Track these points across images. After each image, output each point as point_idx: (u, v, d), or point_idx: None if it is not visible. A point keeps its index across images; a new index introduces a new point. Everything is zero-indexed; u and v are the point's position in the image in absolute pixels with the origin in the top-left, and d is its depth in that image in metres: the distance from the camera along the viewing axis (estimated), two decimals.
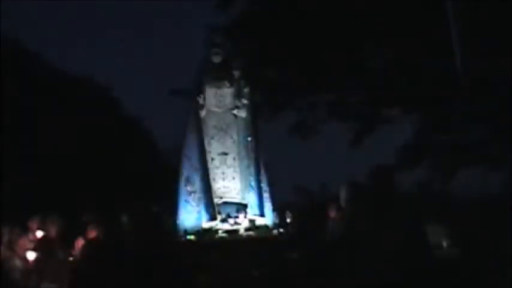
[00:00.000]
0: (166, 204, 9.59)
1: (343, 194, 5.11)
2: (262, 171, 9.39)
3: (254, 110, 9.84)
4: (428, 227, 4.71)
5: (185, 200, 9.13)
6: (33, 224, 7.24)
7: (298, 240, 7.96)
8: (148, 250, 6.32)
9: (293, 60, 13.04)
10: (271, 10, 12.94)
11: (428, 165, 13.69)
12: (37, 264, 6.67)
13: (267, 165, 9.61)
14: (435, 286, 4.05)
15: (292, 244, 7.99)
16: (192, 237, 8.77)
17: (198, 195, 9.11)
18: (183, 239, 8.72)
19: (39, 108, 16.92)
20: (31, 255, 6.71)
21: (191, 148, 9.37)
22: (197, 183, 9.18)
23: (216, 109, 9.58)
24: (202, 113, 9.48)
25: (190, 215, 9.03)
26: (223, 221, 9.05)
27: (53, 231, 6.92)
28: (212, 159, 9.41)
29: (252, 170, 9.31)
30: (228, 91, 9.60)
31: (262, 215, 9.15)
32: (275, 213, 9.32)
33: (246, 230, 8.95)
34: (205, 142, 9.41)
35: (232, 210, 9.17)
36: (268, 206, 9.27)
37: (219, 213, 9.12)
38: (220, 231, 8.90)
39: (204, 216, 9.00)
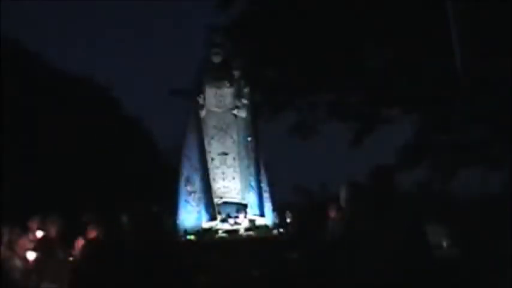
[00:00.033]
0: (166, 204, 9.59)
1: (343, 194, 5.11)
2: (262, 171, 9.39)
3: (254, 110, 9.84)
4: (428, 227, 4.71)
5: (185, 200, 9.13)
6: (33, 224, 7.24)
7: (298, 240, 7.96)
8: (148, 250, 6.32)
9: (293, 60, 13.04)
10: (271, 10, 12.94)
11: (428, 165, 13.69)
12: (37, 264, 6.67)
13: (267, 165, 9.62)
14: (435, 286, 4.05)
15: (292, 244, 7.99)
16: (192, 237, 8.77)
17: (198, 195, 9.12)
18: (183, 239, 8.72)
19: (39, 108, 16.92)
20: (31, 255, 6.71)
21: (191, 148, 9.37)
22: (197, 183, 9.18)
23: (216, 109, 9.58)
24: (202, 113, 9.48)
25: (190, 215, 9.03)
26: (223, 221, 9.05)
27: (53, 231, 6.92)
28: (212, 159, 9.41)
29: (252, 170, 9.31)
30: (228, 91, 9.60)
31: (262, 215, 9.15)
32: (275, 213, 9.32)
33: (246, 230, 8.95)
34: (205, 142, 9.41)
35: (232, 210, 9.17)
36: (268, 206, 9.27)
37: (219, 213, 9.12)
38: (220, 231, 8.90)
39: (204, 216, 9.00)
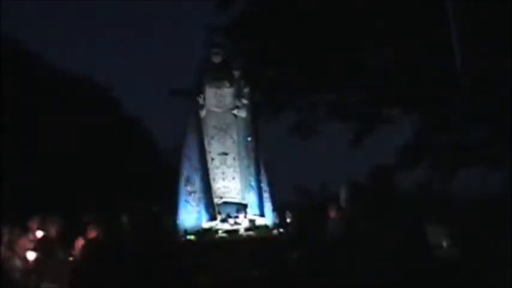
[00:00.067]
0: (166, 204, 9.59)
1: (343, 194, 5.11)
2: (262, 171, 9.39)
3: (254, 110, 9.84)
4: (428, 227, 4.71)
5: (185, 200, 9.13)
6: (33, 224, 7.24)
7: (298, 240, 7.96)
8: (148, 250, 6.32)
9: (293, 60, 13.04)
10: (271, 10, 12.94)
11: (428, 165, 13.69)
12: (37, 264, 6.67)
13: (267, 165, 9.61)
14: (435, 286, 4.05)
15: (292, 244, 7.98)
16: (192, 237, 8.77)
17: (198, 195, 9.11)
18: (183, 239, 8.72)
19: (39, 108, 16.92)
20: (31, 255, 6.71)
21: (191, 148, 9.37)
22: (197, 183, 9.17)
23: (216, 109, 9.58)
24: (202, 113, 9.48)
25: (190, 215, 9.03)
26: (223, 221, 9.04)
27: (53, 231, 6.92)
28: (212, 159, 9.41)
29: (252, 170, 9.31)
30: (228, 91, 9.60)
31: (262, 215, 9.15)
32: (275, 213, 9.32)
33: (246, 230, 8.95)
34: (205, 142, 9.40)
35: (232, 210, 9.17)
36: (268, 206, 9.27)
37: (219, 213, 9.12)
38: (220, 231, 8.90)
39: (204, 216, 9.00)
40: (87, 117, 18.07)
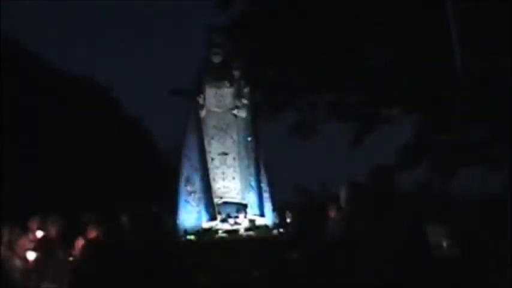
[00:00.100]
0: (166, 204, 9.58)
1: (343, 194, 5.12)
2: (262, 171, 9.39)
3: (254, 110, 9.83)
4: (428, 227, 4.71)
5: (185, 200, 9.13)
6: (33, 224, 7.24)
7: (298, 240, 7.95)
8: (148, 250, 6.32)
9: (293, 60, 13.04)
10: (271, 10, 12.94)
11: (428, 165, 13.70)
12: (37, 264, 6.67)
13: (267, 165, 9.61)
14: (435, 286, 4.05)
15: (292, 244, 7.98)
16: (192, 237, 8.76)
17: (198, 195, 9.11)
18: (183, 239, 8.72)
19: (39, 108, 16.92)
20: (31, 255, 6.71)
21: (191, 148, 9.36)
22: (197, 183, 9.17)
23: (216, 109, 9.57)
24: (202, 113, 9.48)
25: (190, 215, 9.03)
26: (223, 221, 9.04)
27: (53, 231, 6.92)
28: (212, 159, 9.41)
29: (252, 170, 9.31)
30: (228, 91, 9.60)
31: (262, 215, 9.15)
32: (275, 213, 9.31)
33: (246, 230, 8.95)
34: (205, 142, 9.40)
35: (232, 210, 9.17)
36: (268, 206, 9.26)
37: (219, 213, 9.11)
38: (220, 231, 8.90)
39: (204, 216, 8.99)
40: (87, 117, 18.07)
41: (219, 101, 9.57)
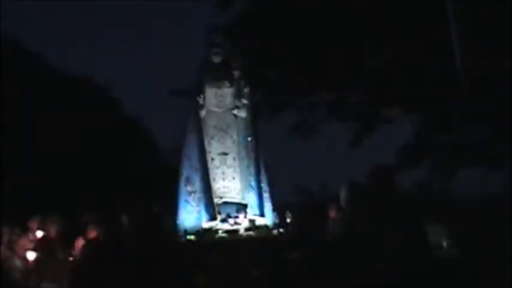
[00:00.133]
0: (166, 204, 9.58)
1: (343, 194, 5.12)
2: (262, 171, 9.38)
3: (254, 110, 9.83)
4: (428, 227, 4.71)
5: (185, 200, 9.12)
6: (33, 224, 7.23)
7: (298, 240, 7.95)
8: (148, 250, 6.32)
9: (293, 60, 13.05)
10: (271, 10, 12.95)
11: (428, 165, 13.72)
12: (37, 264, 6.67)
13: (267, 165, 9.61)
14: (435, 286, 4.05)
15: (292, 244, 7.98)
16: (192, 237, 8.76)
17: (198, 195, 9.11)
18: (183, 239, 8.71)
19: (39, 108, 16.92)
20: (31, 255, 6.71)
21: (191, 148, 9.36)
22: (197, 183, 9.17)
23: (216, 109, 9.57)
24: (202, 113, 9.47)
25: (190, 215, 9.02)
26: (223, 221, 9.04)
27: (53, 231, 6.91)
28: (212, 159, 9.40)
29: (252, 170, 9.30)
30: (228, 91, 9.59)
31: (262, 215, 9.14)
32: (275, 213, 9.31)
33: (246, 230, 8.94)
34: (205, 142, 9.39)
35: (232, 210, 9.16)
36: (268, 206, 9.26)
37: (219, 213, 9.11)
38: (220, 231, 8.89)
39: (204, 216, 8.99)
40: (87, 117, 18.07)
41: (219, 101, 9.57)
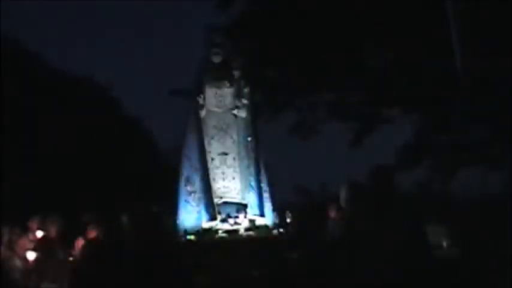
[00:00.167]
0: (166, 204, 9.58)
1: (343, 194, 5.12)
2: (262, 171, 9.38)
3: (254, 110, 9.83)
4: (428, 227, 4.71)
5: (185, 200, 9.12)
6: (33, 224, 7.23)
7: (298, 240, 7.95)
8: (148, 250, 6.32)
9: (293, 60, 13.05)
10: (271, 10, 12.96)
11: (428, 165, 13.72)
12: (37, 264, 6.67)
13: (267, 165, 9.61)
14: (435, 286, 4.05)
15: (292, 244, 7.98)
16: (192, 237, 8.76)
17: (198, 195, 9.11)
18: (183, 239, 8.71)
19: (39, 108, 16.92)
20: (31, 255, 6.71)
21: (191, 148, 9.36)
22: (197, 183, 9.17)
23: (216, 109, 9.57)
24: (202, 113, 9.47)
25: (190, 215, 9.02)
26: (223, 221, 9.04)
27: (53, 231, 6.91)
28: (212, 159, 9.40)
29: (252, 170, 9.30)
30: (228, 91, 9.59)
31: (262, 215, 9.14)
32: (275, 213, 9.31)
33: (246, 230, 8.94)
34: (205, 142, 9.39)
35: (232, 210, 9.16)
36: (268, 206, 9.26)
37: (219, 213, 9.11)
38: (220, 231, 8.89)
39: (204, 216, 8.99)
40: (87, 117, 18.07)
41: (219, 101, 9.57)
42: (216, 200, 9.19)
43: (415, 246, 4.11)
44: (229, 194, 9.35)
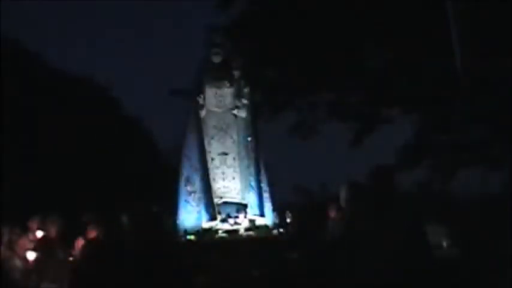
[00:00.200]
0: (166, 204, 9.58)
1: (343, 194, 5.12)
2: (262, 171, 9.38)
3: (254, 110, 9.83)
4: (428, 227, 4.71)
5: (185, 200, 9.12)
6: (33, 224, 7.23)
7: (298, 240, 7.95)
8: (148, 250, 6.32)
9: (293, 60, 13.06)
10: (271, 10, 12.96)
11: (428, 165, 13.72)
12: (37, 264, 6.67)
13: (267, 165, 9.61)
14: (435, 286, 4.05)
15: (292, 244, 7.98)
16: (192, 237, 8.76)
17: (198, 195, 9.11)
18: (183, 239, 8.72)
19: (39, 108, 16.92)
20: (31, 255, 6.71)
21: (191, 148, 9.36)
22: (197, 183, 9.17)
23: (216, 109, 9.57)
24: (202, 113, 9.47)
25: (190, 215, 9.02)
26: (223, 221, 9.04)
27: (53, 231, 6.91)
28: (212, 159, 9.40)
29: (252, 170, 9.30)
30: (228, 91, 9.59)
31: (262, 215, 9.14)
32: (275, 213, 9.31)
33: (246, 230, 8.94)
34: (205, 142, 9.40)
35: (232, 210, 9.16)
36: (268, 206, 9.26)
37: (219, 213, 9.11)
38: (220, 231, 8.89)
39: (204, 216, 8.99)
40: (87, 117, 18.07)
41: (219, 101, 9.57)
42: (216, 200, 9.19)
43: (415, 246, 4.11)
44: (229, 194, 9.35)
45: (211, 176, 9.28)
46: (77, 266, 6.74)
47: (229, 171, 9.42)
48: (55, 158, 16.42)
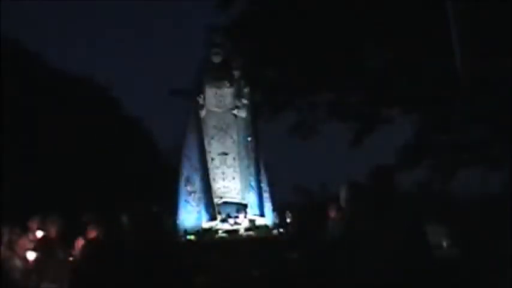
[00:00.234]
0: (166, 204, 9.58)
1: (343, 194, 5.12)
2: (262, 171, 9.38)
3: (254, 110, 9.83)
4: (428, 227, 4.71)
5: (185, 200, 9.12)
6: (33, 224, 7.23)
7: (298, 240, 7.95)
8: (148, 250, 6.33)
9: (293, 60, 13.06)
10: (271, 10, 12.96)
11: (428, 165, 13.73)
12: (37, 264, 6.67)
13: (267, 165, 9.61)
14: (435, 286, 4.05)
15: (292, 244, 7.98)
16: (192, 237, 8.76)
17: (198, 195, 9.11)
18: (183, 239, 8.72)
19: (39, 108, 16.92)
20: (31, 255, 6.71)
21: (191, 148, 9.36)
22: (197, 183, 9.17)
23: (216, 109, 9.57)
24: (202, 113, 9.47)
25: (190, 215, 9.02)
26: (223, 221, 9.04)
27: (53, 231, 6.91)
28: (212, 159, 9.40)
29: (252, 170, 9.30)
30: (228, 91, 9.59)
31: (262, 215, 9.14)
32: (275, 213, 9.31)
33: (246, 230, 8.94)
34: (205, 142, 9.40)
35: (232, 210, 9.16)
36: (268, 206, 9.26)
37: (219, 213, 9.11)
38: (220, 231, 8.89)
39: (204, 216, 8.99)
40: (87, 117, 18.07)
41: (219, 101, 9.57)
42: (216, 200, 9.19)
43: (415, 246, 4.11)
44: (229, 194, 9.35)
45: (211, 176, 9.28)
46: (77, 266, 6.74)
47: (229, 171, 9.42)
48: (55, 158, 16.42)
